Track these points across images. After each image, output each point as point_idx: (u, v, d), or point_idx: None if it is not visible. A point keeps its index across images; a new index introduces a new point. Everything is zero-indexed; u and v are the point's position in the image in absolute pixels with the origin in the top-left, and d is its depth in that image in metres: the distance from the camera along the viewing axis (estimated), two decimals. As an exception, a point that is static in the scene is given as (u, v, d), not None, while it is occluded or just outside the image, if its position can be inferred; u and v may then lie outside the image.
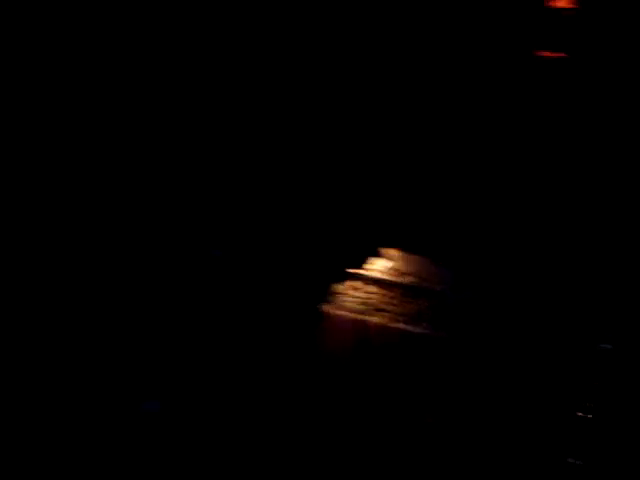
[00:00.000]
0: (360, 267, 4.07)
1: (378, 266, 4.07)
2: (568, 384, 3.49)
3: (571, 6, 3.43)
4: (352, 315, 4.04)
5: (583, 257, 3.71)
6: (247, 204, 4.08)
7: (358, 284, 4.07)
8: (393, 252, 4.07)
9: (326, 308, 4.09)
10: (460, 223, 3.95)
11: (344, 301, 4.06)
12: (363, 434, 3.57)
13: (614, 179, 3.42)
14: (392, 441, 3.56)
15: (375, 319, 4.01)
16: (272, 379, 3.87)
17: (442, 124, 3.85)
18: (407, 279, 4.03)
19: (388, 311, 4.01)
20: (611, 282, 3.63)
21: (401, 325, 3.97)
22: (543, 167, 3.63)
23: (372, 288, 4.06)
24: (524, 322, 3.69)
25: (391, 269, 4.06)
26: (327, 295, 4.08)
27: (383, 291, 4.04)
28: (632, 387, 3.43)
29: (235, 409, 3.46)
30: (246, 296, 4.04)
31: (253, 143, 3.90)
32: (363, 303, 4.04)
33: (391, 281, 4.04)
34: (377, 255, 4.08)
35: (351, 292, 4.06)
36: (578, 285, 3.70)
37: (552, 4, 3.47)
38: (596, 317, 3.64)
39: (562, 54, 3.43)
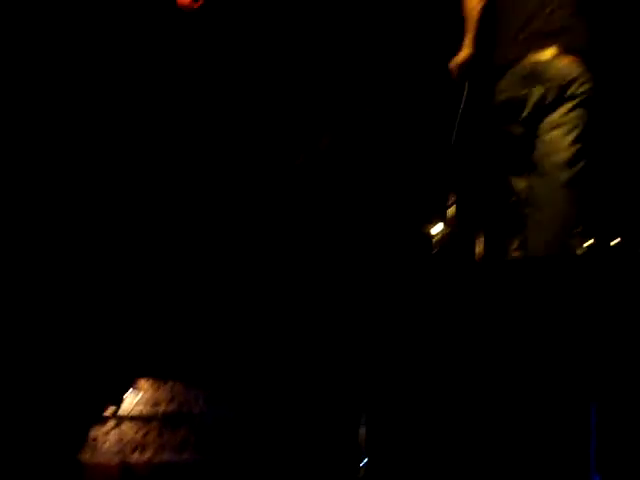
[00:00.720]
0: (113, 405, 3.82)
1: (131, 400, 3.86)
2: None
3: None
4: (112, 459, 3.76)
5: None
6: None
7: (113, 424, 3.80)
8: (144, 383, 3.91)
9: (82, 457, 3.73)
10: (202, 344, 4.01)
11: (101, 446, 3.76)
12: None
13: None
14: None
15: (136, 457, 3.80)
16: None
17: None
18: (163, 408, 3.91)
19: (149, 446, 3.83)
20: None
21: (165, 457, 3.84)
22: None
23: (128, 425, 3.84)
24: None
25: (145, 401, 3.89)
26: (81, 443, 3.73)
27: (141, 426, 3.85)
28: None
29: None
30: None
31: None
32: (121, 443, 3.79)
33: (147, 414, 3.88)
34: (128, 389, 3.87)
35: (107, 434, 3.78)
36: None
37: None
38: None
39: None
